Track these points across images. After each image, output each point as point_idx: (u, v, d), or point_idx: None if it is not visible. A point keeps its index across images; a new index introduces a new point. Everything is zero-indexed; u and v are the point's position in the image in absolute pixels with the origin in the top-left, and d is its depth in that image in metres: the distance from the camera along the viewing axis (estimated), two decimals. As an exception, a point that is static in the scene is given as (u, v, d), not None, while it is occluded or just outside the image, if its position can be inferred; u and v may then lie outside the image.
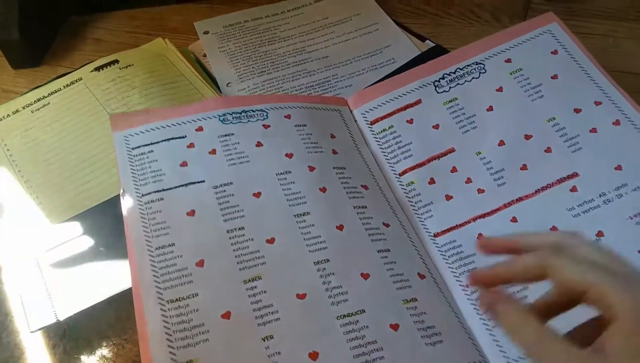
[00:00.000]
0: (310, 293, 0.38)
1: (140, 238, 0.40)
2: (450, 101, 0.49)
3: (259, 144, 0.46)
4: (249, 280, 0.38)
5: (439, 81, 0.50)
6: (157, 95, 0.56)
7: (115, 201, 0.46)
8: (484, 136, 0.47)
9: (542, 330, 0.25)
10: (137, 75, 0.58)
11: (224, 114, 0.48)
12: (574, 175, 0.43)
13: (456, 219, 0.43)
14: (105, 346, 0.41)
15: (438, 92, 0.49)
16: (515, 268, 0.28)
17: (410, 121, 0.49)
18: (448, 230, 0.43)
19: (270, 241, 0.41)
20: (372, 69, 0.58)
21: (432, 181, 0.46)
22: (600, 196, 0.42)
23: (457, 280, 0.41)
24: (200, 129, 0.47)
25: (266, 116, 0.48)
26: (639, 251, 0.39)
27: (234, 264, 0.39)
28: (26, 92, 0.58)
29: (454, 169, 0.46)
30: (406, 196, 0.46)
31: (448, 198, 0.45)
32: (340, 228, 0.42)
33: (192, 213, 0.42)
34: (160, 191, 0.43)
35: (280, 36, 0.64)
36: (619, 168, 0.43)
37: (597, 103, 0.46)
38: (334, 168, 0.46)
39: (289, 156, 0.46)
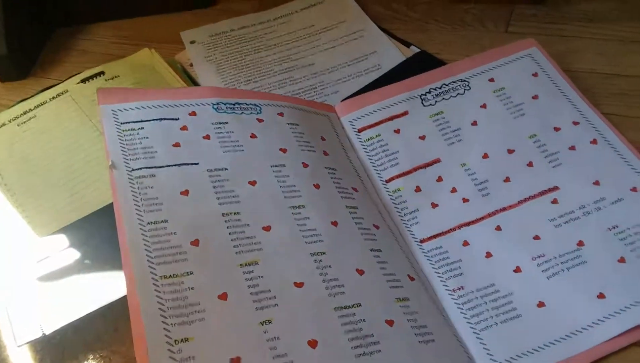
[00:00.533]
0: (308, 283, 0.38)
1: (131, 212, 0.39)
2: (436, 114, 0.50)
3: (253, 136, 0.46)
4: (246, 264, 0.38)
5: (425, 95, 0.51)
6: (143, 106, 0.56)
7: (102, 213, 0.46)
8: (468, 149, 0.48)
9: None
10: (124, 86, 0.58)
11: (218, 103, 0.48)
12: (555, 188, 0.45)
13: (442, 227, 0.44)
14: (92, 359, 0.41)
15: (424, 105, 0.51)
16: None
17: (397, 131, 0.50)
18: (434, 237, 0.44)
19: (267, 228, 0.40)
20: (358, 75, 0.59)
21: (418, 189, 0.46)
22: (580, 208, 0.43)
23: (443, 285, 0.41)
24: (193, 113, 0.47)
25: (259, 110, 0.48)
26: (618, 260, 0.40)
27: (230, 247, 0.39)
28: (13, 106, 0.58)
29: (439, 179, 0.47)
30: (393, 202, 0.46)
31: (434, 205, 0.45)
32: (335, 224, 0.42)
33: (186, 192, 0.41)
34: (152, 167, 0.42)
35: (267, 44, 0.64)
36: (597, 183, 0.44)
37: (575, 123, 0.48)
38: (325, 167, 0.46)
39: (283, 150, 0.46)
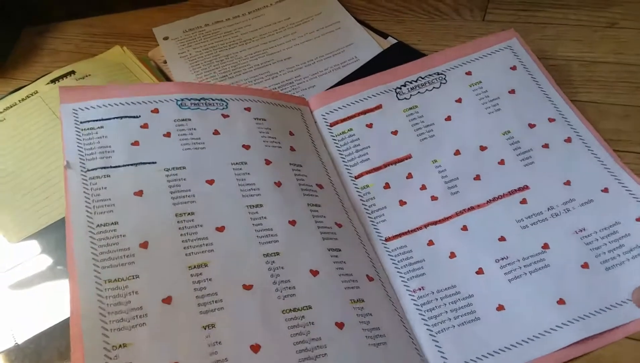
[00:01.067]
0: (257, 285, 0.37)
1: (81, 213, 0.39)
2: (410, 109, 0.49)
3: (216, 133, 0.45)
4: (195, 267, 0.38)
5: (400, 88, 0.50)
6: (116, 105, 0.54)
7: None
8: (440, 145, 0.47)
9: None
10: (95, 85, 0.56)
11: (182, 99, 0.47)
12: (525, 188, 0.44)
13: (408, 225, 0.44)
14: (67, 367, 0.40)
15: (399, 99, 0.50)
16: None
17: (370, 126, 0.49)
18: (399, 235, 0.43)
19: (220, 229, 0.40)
20: (335, 68, 0.58)
21: (387, 186, 0.46)
22: (548, 209, 0.43)
23: (404, 285, 0.41)
24: (156, 111, 0.46)
25: (226, 105, 0.47)
26: (581, 265, 0.39)
27: (180, 249, 0.38)
28: (-20, 108, 0.56)
29: (409, 176, 0.46)
30: (360, 199, 0.45)
31: (402, 203, 0.45)
32: (293, 223, 0.41)
33: (139, 193, 0.41)
34: (108, 167, 0.42)
35: (242, 39, 0.63)
36: (567, 183, 0.44)
37: (551, 120, 0.47)
38: (290, 164, 0.45)
39: (246, 147, 0.45)
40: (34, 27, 0.69)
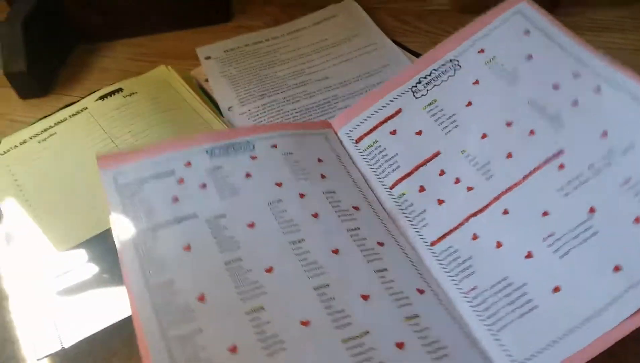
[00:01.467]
0: (314, 319, 0.38)
1: (138, 276, 0.39)
2: (430, 104, 0.48)
3: (248, 176, 0.46)
4: (252, 311, 0.38)
5: (415, 86, 0.49)
6: (160, 121, 0.57)
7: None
8: (466, 133, 0.46)
9: None
10: (141, 102, 0.59)
11: (211, 148, 0.48)
12: (560, 153, 0.41)
13: (450, 223, 0.43)
14: (108, 373, 0.41)
15: (417, 98, 0.49)
16: None
17: (394, 132, 0.48)
18: (444, 236, 0.43)
19: (269, 270, 0.40)
20: (371, 89, 0.59)
21: (422, 189, 0.45)
22: (588, 168, 0.40)
23: (457, 288, 0.40)
24: (188, 164, 0.47)
25: (252, 147, 0.49)
26: (634, 221, 0.37)
27: (234, 296, 0.39)
28: (33, 123, 0.59)
29: (441, 173, 0.45)
30: (399, 209, 0.45)
31: (440, 202, 0.44)
32: (336, 251, 0.42)
33: (188, 247, 0.41)
34: (154, 227, 0.42)
35: (280, 59, 0.65)
36: (604, 134, 0.40)
37: (575, 75, 0.44)
38: (323, 192, 0.46)
39: (279, 185, 0.46)
40: (85, 46, 0.72)
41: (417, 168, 0.46)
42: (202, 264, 0.40)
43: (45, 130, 0.58)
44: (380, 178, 0.47)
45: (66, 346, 0.41)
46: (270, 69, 0.63)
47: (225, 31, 0.70)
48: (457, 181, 0.44)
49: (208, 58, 0.66)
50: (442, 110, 0.48)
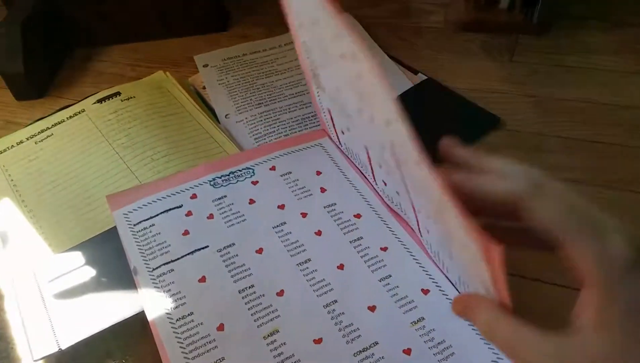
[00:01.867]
0: (326, 337, 0.39)
1: (160, 312, 0.41)
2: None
3: (251, 202, 0.48)
4: (268, 335, 0.40)
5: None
6: (157, 126, 0.57)
7: (116, 231, 0.47)
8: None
9: (516, 324, 0.25)
10: (139, 107, 0.59)
11: (214, 179, 0.50)
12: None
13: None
14: (103, 375, 0.41)
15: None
16: (486, 186, 0.27)
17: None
18: None
19: (280, 293, 0.42)
20: (366, 100, 0.60)
21: None
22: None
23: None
24: (194, 196, 0.49)
25: (253, 172, 0.50)
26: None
27: (251, 322, 0.40)
28: (30, 124, 0.59)
29: None
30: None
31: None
32: (341, 267, 0.43)
33: (203, 279, 0.43)
34: (170, 262, 0.44)
35: (278, 69, 0.66)
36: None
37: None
38: (324, 207, 0.48)
39: (281, 207, 0.48)
40: (83, 50, 0.72)
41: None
42: (218, 294, 0.42)
43: (42, 131, 0.58)
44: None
45: (63, 347, 0.41)
46: (267, 79, 0.64)
47: (223, 40, 0.71)
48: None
49: (206, 66, 0.66)
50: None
